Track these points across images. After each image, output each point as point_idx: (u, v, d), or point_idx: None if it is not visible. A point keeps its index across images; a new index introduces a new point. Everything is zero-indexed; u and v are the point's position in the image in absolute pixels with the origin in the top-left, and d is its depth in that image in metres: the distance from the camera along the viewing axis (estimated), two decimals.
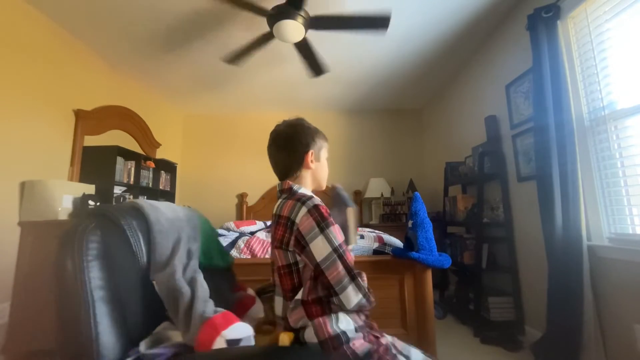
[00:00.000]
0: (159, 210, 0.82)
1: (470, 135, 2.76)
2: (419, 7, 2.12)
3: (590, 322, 1.43)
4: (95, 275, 0.59)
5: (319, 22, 1.95)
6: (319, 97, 3.65)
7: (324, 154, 0.95)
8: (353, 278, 0.77)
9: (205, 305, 0.71)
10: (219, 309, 0.71)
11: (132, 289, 0.69)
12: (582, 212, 1.51)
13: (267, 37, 2.05)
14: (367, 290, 0.78)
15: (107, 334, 0.58)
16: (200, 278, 0.77)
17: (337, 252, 0.76)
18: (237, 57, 2.24)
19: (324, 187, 0.97)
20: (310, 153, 0.91)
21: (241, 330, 0.65)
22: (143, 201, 0.84)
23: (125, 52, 2.61)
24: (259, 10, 1.84)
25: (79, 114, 2.39)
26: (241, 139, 4.14)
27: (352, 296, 0.75)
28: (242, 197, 3.94)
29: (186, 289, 0.72)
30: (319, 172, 0.94)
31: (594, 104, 1.57)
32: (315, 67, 2.38)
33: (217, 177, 4.07)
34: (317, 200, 0.82)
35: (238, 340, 0.64)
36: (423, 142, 4.00)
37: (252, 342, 0.68)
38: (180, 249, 0.78)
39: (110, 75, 2.81)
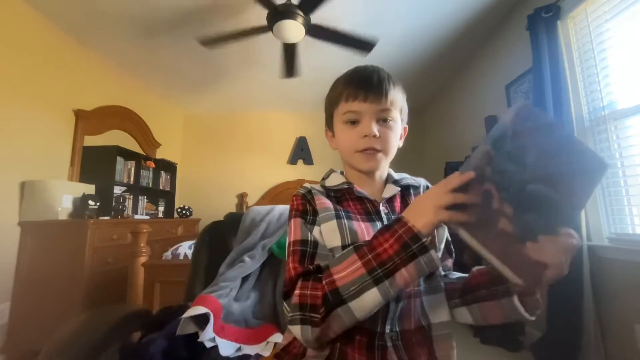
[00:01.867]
0: (256, 215, 1.19)
1: (470, 135, 2.76)
2: (419, 7, 2.12)
3: (590, 322, 1.43)
4: (203, 256, 1.09)
5: (316, 31, 2.00)
6: (319, 97, 3.65)
7: (339, 116, 0.61)
8: (285, 296, 0.50)
9: (212, 287, 0.95)
10: (221, 292, 0.94)
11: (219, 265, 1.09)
12: (582, 212, 1.51)
13: (256, 31, 2.03)
14: (309, 318, 0.44)
15: (199, 287, 1.02)
16: (241, 264, 1.02)
17: (287, 257, 0.56)
18: (215, 41, 2.12)
19: (358, 166, 0.61)
20: (326, 132, 0.70)
21: (196, 311, 0.82)
22: (251, 209, 1.24)
23: (125, 52, 2.61)
24: (267, 3, 1.82)
25: (79, 114, 2.39)
26: (241, 139, 4.14)
27: (292, 323, 0.46)
28: (242, 197, 3.93)
29: (219, 273, 1.02)
30: (339, 149, 0.64)
31: (594, 104, 1.57)
32: (290, 69, 2.42)
33: (217, 177, 4.07)
34: (302, 189, 0.63)
35: (195, 317, 0.82)
36: (423, 141, 4.00)
37: (210, 320, 0.81)
38: (245, 242, 1.08)
39: (110, 75, 2.80)
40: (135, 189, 2.86)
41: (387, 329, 0.51)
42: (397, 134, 0.61)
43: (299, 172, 4.04)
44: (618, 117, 1.46)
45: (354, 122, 0.59)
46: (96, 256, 1.95)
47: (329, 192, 0.63)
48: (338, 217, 0.57)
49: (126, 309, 0.77)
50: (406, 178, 0.67)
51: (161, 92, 3.46)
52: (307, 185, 0.64)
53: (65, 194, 2.07)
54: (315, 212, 0.58)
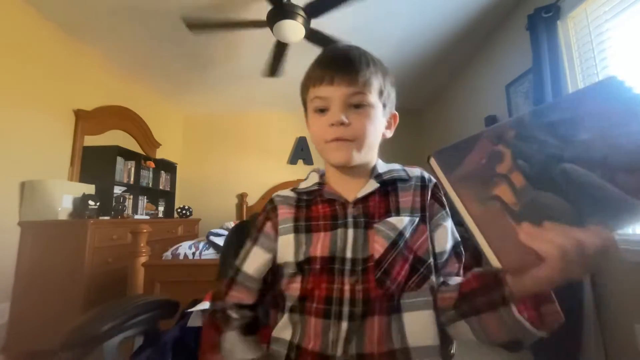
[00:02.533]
0: None
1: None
2: (418, 7, 2.12)
3: (590, 322, 1.43)
4: (229, 255, 1.00)
5: (317, 8, 1.90)
6: None
7: (309, 104, 0.55)
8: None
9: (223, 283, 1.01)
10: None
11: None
12: None
13: (251, 25, 2.05)
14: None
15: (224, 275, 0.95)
16: None
17: None
18: (204, 25, 2.09)
19: (329, 158, 0.53)
20: (306, 122, 0.59)
21: (201, 306, 0.81)
22: None
23: (125, 52, 2.61)
24: (259, 24, 1.93)
25: (79, 114, 2.39)
26: (241, 139, 4.14)
27: None
28: (242, 197, 3.94)
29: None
30: (313, 141, 0.56)
31: None
32: (275, 69, 2.42)
33: (217, 177, 4.07)
34: (268, 202, 0.60)
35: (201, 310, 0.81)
36: (423, 142, 4.00)
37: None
38: None
39: (110, 75, 2.80)
40: (135, 189, 2.86)
41: (339, 351, 0.44)
42: (374, 121, 0.51)
43: (299, 172, 4.04)
44: None
45: (323, 110, 0.52)
46: (96, 256, 1.95)
47: (300, 196, 0.58)
48: (296, 230, 0.53)
49: (151, 298, 0.79)
50: (394, 170, 0.57)
51: (161, 92, 3.46)
52: (275, 195, 0.60)
53: (65, 194, 2.07)
54: (275, 227, 0.56)
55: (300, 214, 0.55)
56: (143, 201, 3.04)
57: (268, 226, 0.57)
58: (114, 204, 2.45)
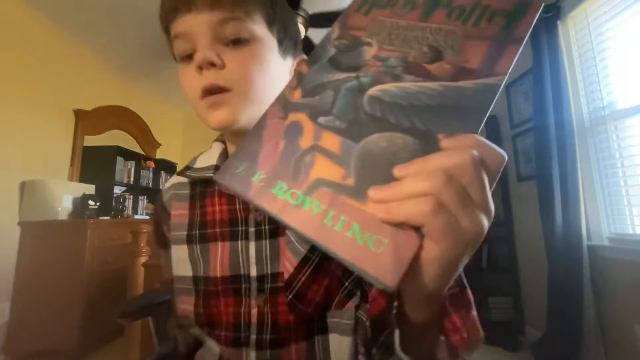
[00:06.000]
0: None
1: None
2: None
3: (590, 322, 1.43)
4: None
5: (319, 20, 1.95)
6: None
7: (174, 47, 0.39)
8: None
9: None
10: None
11: None
12: (582, 212, 1.51)
13: None
14: None
15: None
16: None
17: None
18: None
19: (206, 122, 0.38)
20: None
21: None
22: None
23: (125, 52, 2.61)
24: None
25: (79, 114, 2.39)
26: None
27: None
28: None
29: None
30: (188, 101, 0.40)
31: (594, 104, 1.57)
32: None
33: None
34: (165, 190, 0.47)
35: None
36: None
37: None
38: None
39: (110, 75, 2.80)
40: (135, 189, 2.86)
41: None
42: (263, 63, 0.36)
43: None
44: (618, 117, 1.46)
45: (189, 56, 0.36)
46: (96, 256, 1.95)
47: (194, 184, 0.44)
48: (189, 240, 0.40)
49: None
50: None
51: (161, 92, 3.46)
52: (165, 188, 0.46)
53: (65, 194, 2.07)
54: (168, 231, 0.44)
55: (194, 216, 0.42)
56: (143, 201, 3.04)
57: (164, 229, 0.45)
58: (114, 204, 2.45)
